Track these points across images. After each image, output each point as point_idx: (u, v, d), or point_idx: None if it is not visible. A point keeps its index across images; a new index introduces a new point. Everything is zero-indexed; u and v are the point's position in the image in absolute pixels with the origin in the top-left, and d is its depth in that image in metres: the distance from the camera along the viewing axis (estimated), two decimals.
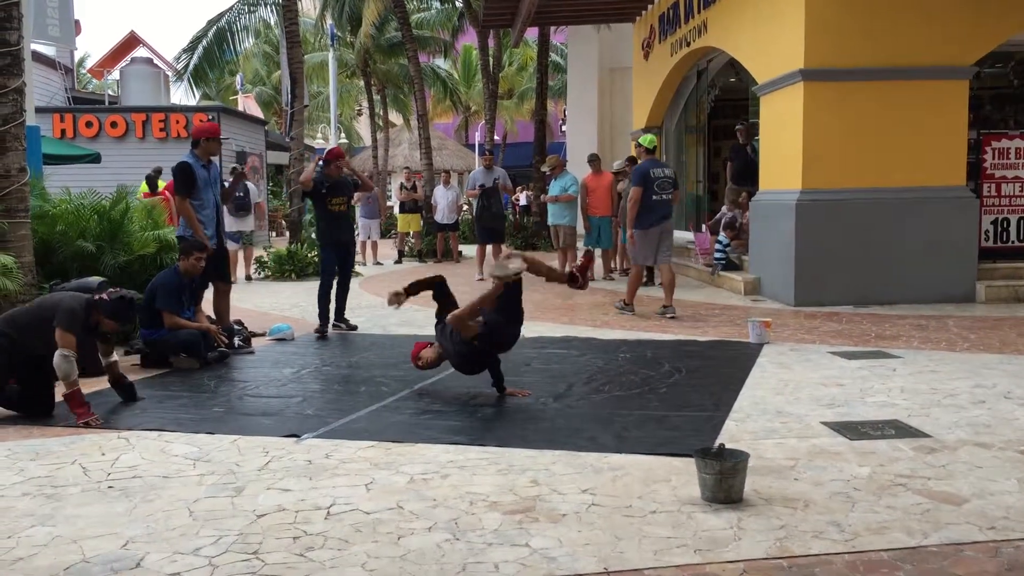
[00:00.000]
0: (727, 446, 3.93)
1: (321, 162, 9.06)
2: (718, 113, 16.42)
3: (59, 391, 5.69)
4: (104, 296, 5.54)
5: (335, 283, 8.89)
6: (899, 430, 4.81)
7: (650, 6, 16.23)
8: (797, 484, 3.96)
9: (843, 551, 3.22)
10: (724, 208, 13.01)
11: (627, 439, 4.73)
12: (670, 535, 3.40)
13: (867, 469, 4.14)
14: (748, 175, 12.55)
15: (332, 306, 8.81)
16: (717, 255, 12.11)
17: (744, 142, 13.21)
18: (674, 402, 5.58)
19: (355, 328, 8.90)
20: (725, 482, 3.70)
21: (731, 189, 13.20)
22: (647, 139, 9.95)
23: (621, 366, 6.74)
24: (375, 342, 8.25)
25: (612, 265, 13.77)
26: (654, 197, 9.36)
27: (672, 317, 9.18)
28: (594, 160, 13.51)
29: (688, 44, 13.88)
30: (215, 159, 8.00)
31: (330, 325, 8.73)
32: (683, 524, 3.51)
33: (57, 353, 5.25)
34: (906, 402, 5.44)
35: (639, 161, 10.14)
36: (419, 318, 9.61)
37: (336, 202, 8.82)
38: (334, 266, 8.87)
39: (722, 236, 12.14)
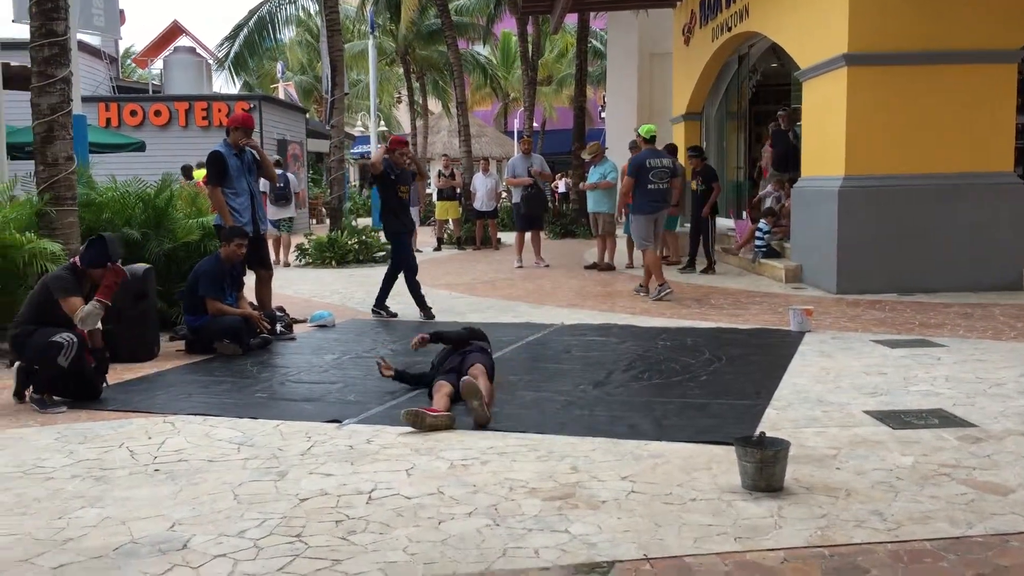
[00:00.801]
0: (768, 434, 3.91)
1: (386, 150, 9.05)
2: (759, 99, 16.24)
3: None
4: (78, 256, 5.67)
5: (397, 271, 8.99)
6: (943, 419, 4.75)
7: None
8: (839, 473, 3.92)
9: (886, 540, 3.20)
10: (769, 187, 12.86)
11: (667, 427, 4.72)
12: (710, 523, 3.39)
13: (910, 458, 4.10)
14: (790, 161, 12.42)
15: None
16: (757, 242, 12.00)
17: (786, 128, 13.06)
18: (714, 390, 5.56)
19: (395, 315, 8.94)
20: (766, 470, 3.68)
21: (772, 175, 13.06)
22: (645, 129, 10.32)
23: (661, 354, 6.72)
24: (415, 329, 8.28)
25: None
26: (650, 186, 9.84)
27: (652, 298, 9.64)
28: (635, 147, 13.40)
29: (729, 29, 13.73)
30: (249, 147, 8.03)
31: (427, 308, 8.83)
32: (723, 512, 3.50)
33: (75, 319, 5.38)
34: (951, 391, 5.37)
35: (635, 150, 10.43)
36: (459, 305, 9.67)
37: (404, 190, 8.90)
38: (412, 250, 9.10)
39: (762, 223, 12.03)
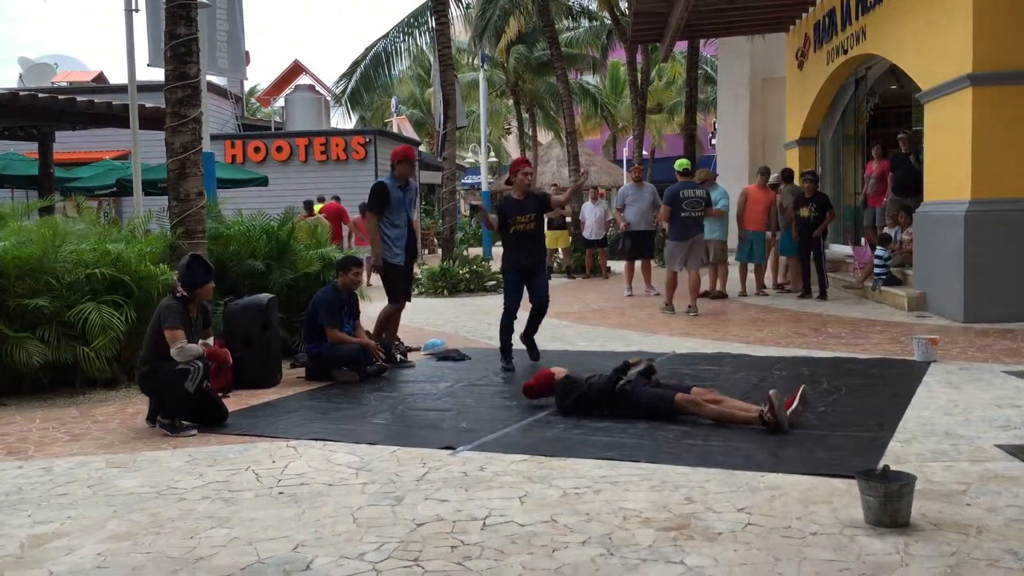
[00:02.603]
0: (892, 468, 3.78)
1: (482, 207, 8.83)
2: (878, 122, 15.78)
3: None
4: (176, 282, 5.91)
5: (505, 314, 7.75)
6: None
7: (804, 14, 15.81)
8: (969, 509, 3.76)
9: None
10: (886, 229, 12.51)
11: (784, 458, 4.61)
12: (832, 558, 3.30)
13: None
14: (911, 186, 12.02)
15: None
16: (877, 270, 11.63)
17: (907, 151, 12.65)
18: (834, 421, 5.40)
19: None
20: (890, 505, 3.56)
21: (892, 201, 12.65)
22: (679, 164, 11.49)
23: (777, 384, 6.55)
24: (525, 357, 8.33)
25: (765, 280, 13.44)
26: (683, 214, 10.81)
27: (695, 315, 10.65)
28: (764, 172, 13.18)
29: (845, 52, 13.43)
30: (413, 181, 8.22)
31: (512, 359, 7.67)
32: (845, 547, 3.40)
33: (171, 352, 5.56)
34: None
35: (674, 180, 11.45)
36: (569, 334, 9.68)
37: (522, 220, 7.63)
38: (516, 294, 7.72)
39: (880, 250, 11.66)
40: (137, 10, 10.68)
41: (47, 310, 6.75)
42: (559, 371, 6.13)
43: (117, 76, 36.91)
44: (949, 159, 9.95)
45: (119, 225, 8.50)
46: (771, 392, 5.17)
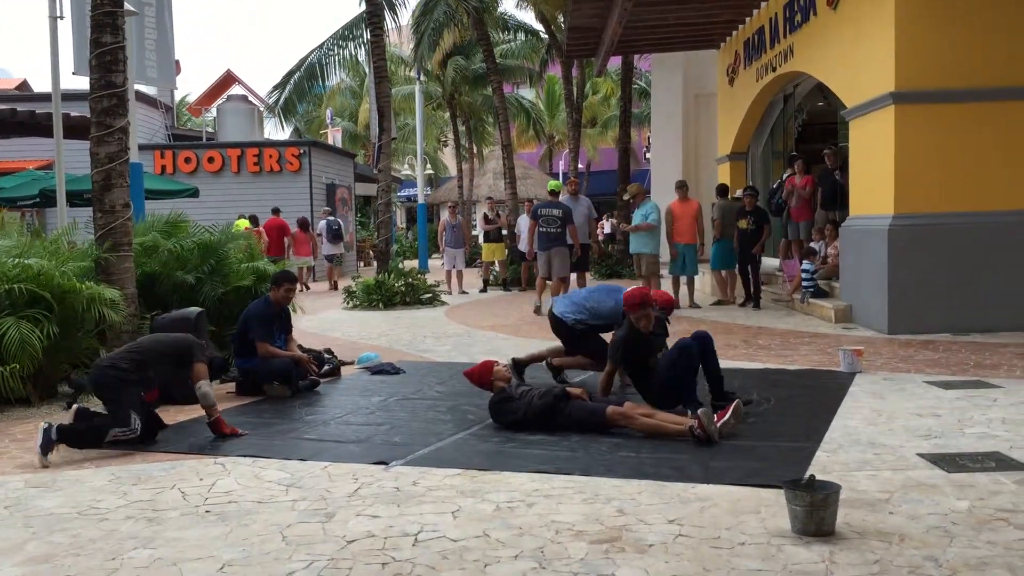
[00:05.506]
0: (818, 477, 3.85)
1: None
2: (806, 138, 16.16)
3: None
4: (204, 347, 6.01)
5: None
6: (1000, 462, 4.64)
7: (735, 32, 16.14)
8: (892, 517, 3.85)
9: None
10: (811, 243, 12.85)
11: (714, 469, 4.67)
12: (759, 567, 3.34)
13: (966, 503, 4.01)
14: (837, 200, 12.33)
15: None
16: (805, 283, 11.89)
17: (832, 166, 12.98)
18: (763, 432, 5.49)
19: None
20: (816, 514, 3.63)
21: (820, 215, 12.97)
22: (551, 184, 13.81)
23: (708, 395, 6.64)
24: (460, 371, 8.30)
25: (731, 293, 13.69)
26: (541, 229, 12.59)
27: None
28: (682, 187, 13.46)
29: (774, 69, 13.73)
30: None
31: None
32: (773, 556, 3.45)
33: (203, 383, 5.67)
34: (1007, 433, 5.24)
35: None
36: (505, 347, 9.67)
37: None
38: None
39: (806, 263, 11.94)
40: (62, 17, 10.44)
41: None
42: (501, 371, 6.08)
43: (41, 84, 35.97)
44: (873, 174, 10.23)
45: (43, 237, 8.26)
46: (700, 411, 5.23)
